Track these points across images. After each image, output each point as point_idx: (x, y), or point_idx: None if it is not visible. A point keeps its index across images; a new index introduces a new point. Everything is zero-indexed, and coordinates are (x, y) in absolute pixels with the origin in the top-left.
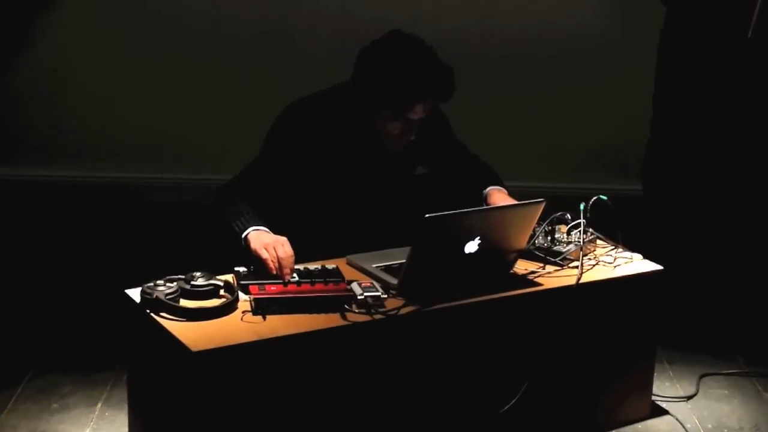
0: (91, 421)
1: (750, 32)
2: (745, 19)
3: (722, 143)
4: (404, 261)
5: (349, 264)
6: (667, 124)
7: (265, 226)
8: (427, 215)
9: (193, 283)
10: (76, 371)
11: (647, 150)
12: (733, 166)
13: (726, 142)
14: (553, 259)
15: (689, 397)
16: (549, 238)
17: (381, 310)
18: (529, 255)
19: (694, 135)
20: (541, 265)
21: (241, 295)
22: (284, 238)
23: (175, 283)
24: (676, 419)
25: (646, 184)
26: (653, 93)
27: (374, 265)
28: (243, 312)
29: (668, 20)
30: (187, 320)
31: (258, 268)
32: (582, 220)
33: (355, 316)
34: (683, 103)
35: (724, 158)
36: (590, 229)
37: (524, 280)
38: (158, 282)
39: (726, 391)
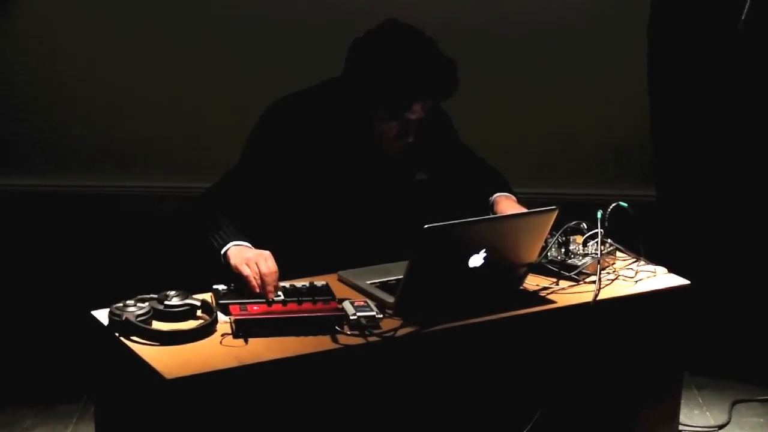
0: None
1: (741, 24)
2: (737, 11)
3: (729, 140)
4: (402, 277)
5: (341, 280)
6: (665, 122)
7: (246, 240)
8: (426, 225)
9: (166, 303)
10: (38, 402)
11: (654, 150)
12: (752, 165)
13: (732, 138)
14: (567, 274)
15: (721, 427)
16: (563, 250)
17: (376, 331)
18: (540, 269)
19: (695, 132)
20: (555, 280)
21: (221, 316)
22: (267, 253)
23: (146, 303)
24: None
25: (659, 188)
26: (647, 87)
27: (368, 282)
28: (222, 335)
29: (655, 10)
30: (160, 344)
31: (239, 285)
32: (599, 230)
33: (347, 339)
34: (678, 99)
35: (738, 157)
36: (609, 240)
37: (535, 297)
38: (128, 302)
39: (761, 419)
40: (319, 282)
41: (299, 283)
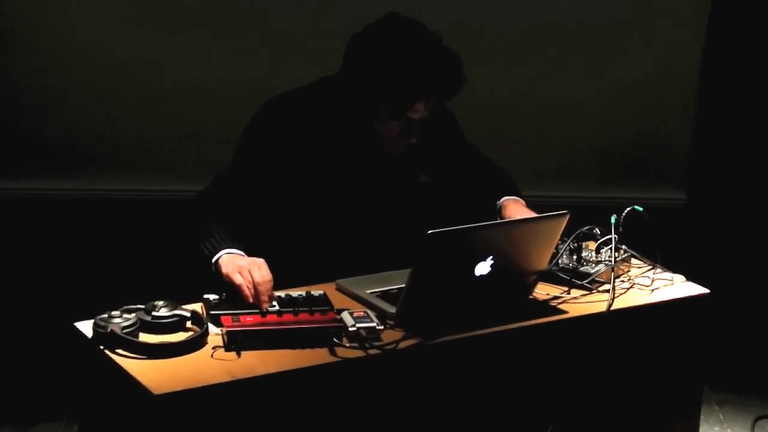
0: None
1: None
2: None
3: None
4: (403, 286)
5: (339, 290)
6: (715, 124)
7: (239, 247)
8: (430, 231)
9: (154, 313)
10: (18, 420)
11: (692, 153)
12: None
13: None
14: (579, 282)
15: None
16: (575, 257)
17: (376, 343)
18: (551, 277)
19: (745, 137)
20: (566, 288)
21: (212, 328)
22: (261, 260)
23: (133, 314)
24: None
25: (690, 192)
26: (697, 87)
27: (368, 291)
28: (214, 347)
29: (715, 10)
30: (147, 358)
31: (231, 295)
32: (613, 236)
33: (346, 352)
34: (734, 101)
35: None
36: (623, 246)
37: (546, 307)
38: (113, 313)
39: None
40: (317, 291)
41: (295, 293)
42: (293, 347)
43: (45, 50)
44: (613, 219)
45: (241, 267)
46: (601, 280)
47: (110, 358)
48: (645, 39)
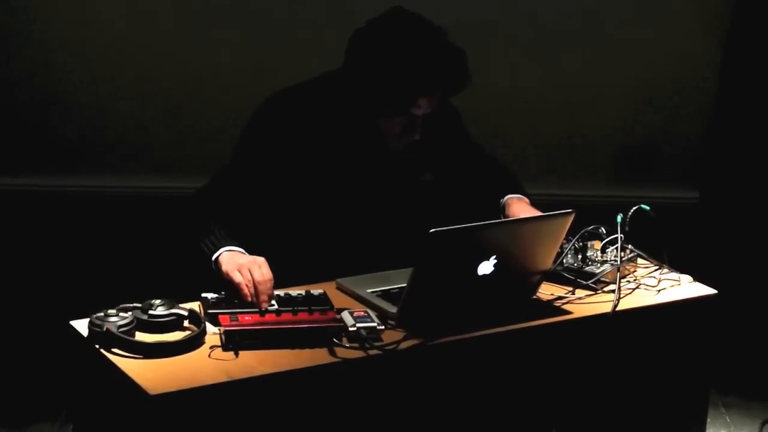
0: None
1: None
2: None
3: None
4: (405, 285)
5: (339, 289)
6: (730, 121)
7: (239, 245)
8: (432, 230)
9: (151, 312)
10: (11, 421)
11: (706, 150)
12: None
13: None
14: (584, 282)
15: None
16: (580, 256)
17: (377, 344)
18: (555, 277)
19: (761, 134)
20: (571, 289)
21: (209, 327)
22: (262, 259)
23: (129, 313)
24: None
25: (703, 190)
26: (712, 83)
27: (369, 290)
28: (211, 347)
29: (735, 6)
30: (143, 357)
31: (230, 294)
32: (619, 235)
33: (346, 352)
34: (751, 96)
35: None
36: (629, 246)
37: (550, 308)
38: (110, 311)
39: None
40: (316, 290)
41: (295, 292)
42: (292, 347)
43: (44, 48)
44: (618, 218)
45: (242, 265)
46: (607, 280)
47: (106, 358)
48: (658, 35)
